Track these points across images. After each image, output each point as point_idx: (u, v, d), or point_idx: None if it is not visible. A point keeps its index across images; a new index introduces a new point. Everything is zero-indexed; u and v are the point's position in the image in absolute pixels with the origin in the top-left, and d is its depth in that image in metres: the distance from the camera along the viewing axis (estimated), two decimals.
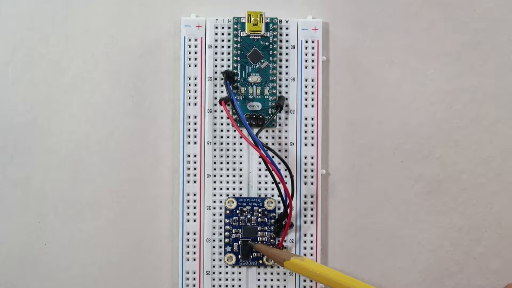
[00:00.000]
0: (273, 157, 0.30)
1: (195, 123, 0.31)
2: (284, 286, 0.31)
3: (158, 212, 0.32)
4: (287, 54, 0.31)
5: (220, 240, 0.31)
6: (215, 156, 0.31)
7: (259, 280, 0.31)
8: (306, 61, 0.31)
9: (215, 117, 0.31)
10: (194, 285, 0.31)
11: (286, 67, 0.31)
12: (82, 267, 0.32)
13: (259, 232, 0.31)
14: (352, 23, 0.32)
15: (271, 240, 0.31)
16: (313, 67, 0.31)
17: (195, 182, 0.31)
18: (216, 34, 0.31)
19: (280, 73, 0.31)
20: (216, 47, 0.31)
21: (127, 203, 0.32)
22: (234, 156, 0.31)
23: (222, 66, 0.31)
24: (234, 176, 0.31)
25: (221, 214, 0.31)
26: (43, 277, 0.32)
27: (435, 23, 0.32)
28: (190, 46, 0.31)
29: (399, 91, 0.32)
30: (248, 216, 0.31)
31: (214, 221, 0.31)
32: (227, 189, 0.31)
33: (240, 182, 0.31)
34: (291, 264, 0.29)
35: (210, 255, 0.31)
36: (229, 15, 0.31)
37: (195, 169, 0.31)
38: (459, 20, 0.32)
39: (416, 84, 0.32)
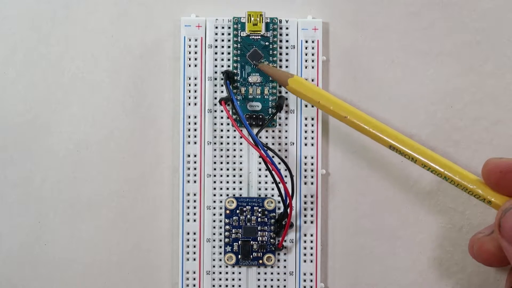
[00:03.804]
0: (273, 157, 0.30)
1: (195, 123, 0.31)
2: (284, 286, 0.31)
3: (158, 212, 0.32)
4: (287, 54, 0.31)
5: (220, 240, 0.31)
6: (215, 156, 0.31)
7: (259, 280, 0.31)
8: (306, 61, 0.31)
9: (215, 117, 0.31)
10: (194, 285, 0.31)
11: (286, 67, 0.31)
12: (82, 267, 0.32)
13: (259, 232, 0.31)
14: (352, 23, 0.32)
15: (271, 240, 0.31)
16: (313, 67, 0.31)
17: (195, 182, 0.31)
18: (216, 34, 0.31)
19: None
20: (216, 47, 0.31)
21: (127, 203, 0.32)
22: (234, 156, 0.31)
23: (222, 66, 0.31)
24: (234, 176, 0.31)
25: (221, 214, 0.31)
26: (43, 277, 0.32)
27: (435, 23, 0.32)
28: (190, 46, 0.31)
29: (399, 91, 0.32)
30: (248, 216, 0.31)
31: (214, 221, 0.31)
32: (227, 189, 0.31)
33: (240, 182, 0.31)
34: (295, 82, 0.29)
35: (210, 255, 0.31)
36: (229, 15, 0.31)
37: (195, 169, 0.31)
38: (459, 20, 0.32)
39: (416, 84, 0.32)
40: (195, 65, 0.31)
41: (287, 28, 0.31)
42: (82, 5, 0.32)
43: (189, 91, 0.31)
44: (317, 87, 0.30)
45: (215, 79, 0.31)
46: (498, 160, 0.26)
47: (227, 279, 0.31)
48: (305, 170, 0.31)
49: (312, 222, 0.31)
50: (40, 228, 0.32)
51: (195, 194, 0.31)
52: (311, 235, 0.31)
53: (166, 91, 0.32)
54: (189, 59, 0.31)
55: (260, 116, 0.31)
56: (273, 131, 0.31)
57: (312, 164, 0.31)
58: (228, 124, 0.31)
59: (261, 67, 0.30)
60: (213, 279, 0.31)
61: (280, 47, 0.31)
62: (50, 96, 0.32)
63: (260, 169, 0.31)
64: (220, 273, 0.31)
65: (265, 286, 0.31)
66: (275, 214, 0.31)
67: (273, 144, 0.31)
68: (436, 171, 0.27)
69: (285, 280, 0.31)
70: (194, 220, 0.31)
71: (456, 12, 0.32)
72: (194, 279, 0.31)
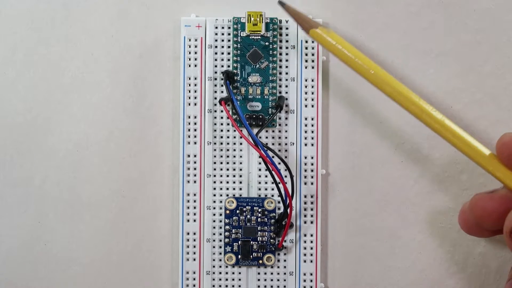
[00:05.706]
0: (273, 157, 0.30)
1: (195, 123, 0.31)
2: (284, 286, 0.31)
3: (158, 212, 0.32)
4: (287, 54, 0.31)
5: (220, 240, 0.31)
6: (215, 156, 0.31)
7: (259, 280, 0.31)
8: (306, 61, 0.31)
9: (215, 117, 0.31)
10: (194, 285, 0.31)
11: (286, 67, 0.31)
12: (82, 267, 0.32)
13: (259, 232, 0.31)
14: (352, 23, 0.32)
15: (271, 240, 0.31)
16: (313, 67, 0.31)
17: (195, 182, 0.31)
18: (216, 34, 0.31)
19: (280, 73, 0.31)
20: (216, 47, 0.31)
21: (127, 203, 0.32)
22: (234, 156, 0.31)
23: (222, 66, 0.31)
24: (234, 176, 0.31)
25: (221, 214, 0.31)
26: (43, 277, 0.32)
27: (435, 23, 0.32)
28: (190, 46, 0.31)
29: None
30: (248, 216, 0.31)
31: (214, 221, 0.31)
32: (227, 189, 0.31)
33: (240, 182, 0.31)
34: (323, 31, 0.28)
35: (210, 255, 0.31)
36: (229, 15, 0.31)
37: (195, 169, 0.31)
38: (459, 20, 0.32)
39: (416, 84, 0.32)
40: (195, 65, 0.31)
41: (287, 28, 0.31)
42: (82, 5, 0.32)
43: (189, 91, 0.31)
44: (344, 40, 0.29)
45: (215, 79, 0.31)
46: None
47: (227, 279, 0.31)
48: (305, 170, 0.31)
49: (312, 222, 0.31)
50: (40, 228, 0.32)
51: (195, 194, 0.31)
52: (311, 235, 0.31)
53: (166, 91, 0.32)
54: (189, 59, 0.31)
55: (260, 116, 0.31)
56: (273, 131, 0.31)
57: (312, 164, 0.31)
58: (228, 124, 0.31)
59: (287, 8, 0.29)
60: (213, 279, 0.31)
61: (280, 47, 0.31)
62: (50, 96, 0.32)
63: (260, 169, 0.31)
64: (220, 273, 0.31)
65: (265, 286, 0.31)
66: (275, 214, 0.31)
67: (273, 144, 0.31)
68: (450, 139, 0.27)
69: (285, 280, 0.31)
70: (194, 220, 0.31)
71: (456, 12, 0.32)
72: (194, 279, 0.31)
